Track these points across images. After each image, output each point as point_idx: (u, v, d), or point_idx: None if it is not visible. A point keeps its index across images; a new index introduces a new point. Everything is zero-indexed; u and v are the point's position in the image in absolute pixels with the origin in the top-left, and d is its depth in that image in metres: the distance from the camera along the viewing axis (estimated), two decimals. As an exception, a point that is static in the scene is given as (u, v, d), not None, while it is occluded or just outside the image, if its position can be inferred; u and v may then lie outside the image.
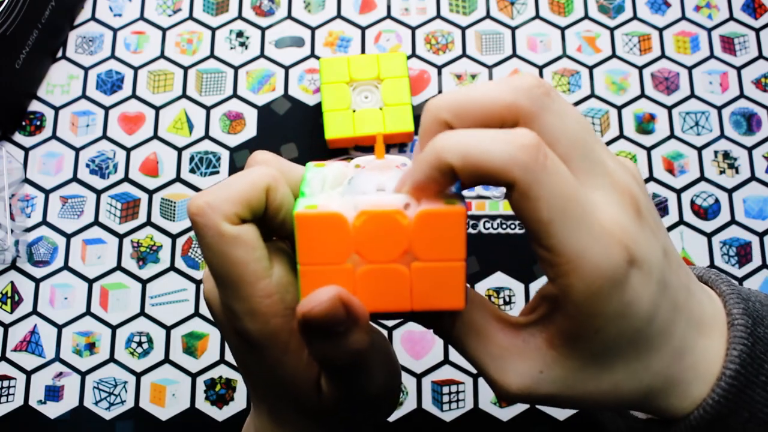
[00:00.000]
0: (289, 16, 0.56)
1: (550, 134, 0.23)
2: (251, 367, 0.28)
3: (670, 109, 0.54)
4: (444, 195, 0.24)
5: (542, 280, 0.49)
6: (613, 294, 0.22)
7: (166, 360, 0.49)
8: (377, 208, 0.23)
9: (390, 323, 0.49)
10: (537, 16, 0.56)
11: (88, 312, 0.49)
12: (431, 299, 0.24)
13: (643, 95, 0.54)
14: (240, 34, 0.56)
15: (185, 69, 0.55)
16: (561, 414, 0.47)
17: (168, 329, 0.49)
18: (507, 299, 0.50)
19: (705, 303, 0.26)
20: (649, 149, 0.53)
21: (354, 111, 0.50)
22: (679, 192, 0.52)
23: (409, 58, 0.55)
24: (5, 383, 0.48)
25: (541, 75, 0.54)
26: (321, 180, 0.26)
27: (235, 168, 0.52)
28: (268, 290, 0.25)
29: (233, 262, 0.24)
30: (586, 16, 0.56)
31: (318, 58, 0.55)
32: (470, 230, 0.51)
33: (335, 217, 0.23)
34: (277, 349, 0.26)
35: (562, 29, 0.56)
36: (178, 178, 0.52)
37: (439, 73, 0.54)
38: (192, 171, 0.52)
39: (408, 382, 0.48)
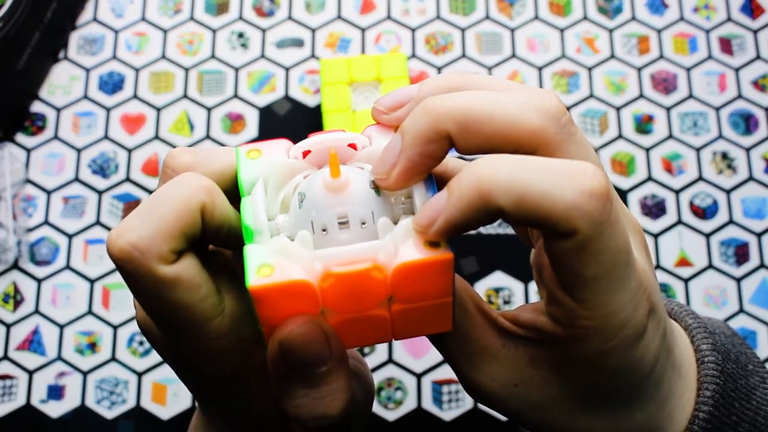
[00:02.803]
0: (290, 17, 0.56)
1: None
2: (210, 398, 0.24)
3: (668, 109, 0.54)
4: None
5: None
6: (627, 352, 0.20)
7: (168, 359, 0.49)
8: (346, 268, 0.19)
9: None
10: (536, 17, 0.56)
11: (90, 312, 0.50)
12: (415, 331, 0.21)
13: (641, 96, 0.54)
14: (241, 35, 0.56)
15: (186, 70, 0.55)
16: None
17: (169, 329, 0.49)
18: (506, 299, 0.50)
19: (679, 340, 0.24)
20: (647, 150, 0.53)
21: (354, 112, 0.51)
22: (677, 192, 0.52)
23: (409, 59, 0.55)
24: (7, 382, 0.48)
25: (540, 76, 0.55)
26: (261, 187, 0.22)
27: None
28: (221, 330, 0.21)
29: (176, 307, 0.20)
30: (585, 17, 0.56)
31: (318, 59, 0.55)
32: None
33: (299, 285, 0.19)
34: (237, 387, 0.23)
35: (561, 30, 0.56)
36: (179, 179, 0.52)
37: (439, 74, 0.55)
38: (193, 171, 0.52)
39: (408, 381, 0.48)
